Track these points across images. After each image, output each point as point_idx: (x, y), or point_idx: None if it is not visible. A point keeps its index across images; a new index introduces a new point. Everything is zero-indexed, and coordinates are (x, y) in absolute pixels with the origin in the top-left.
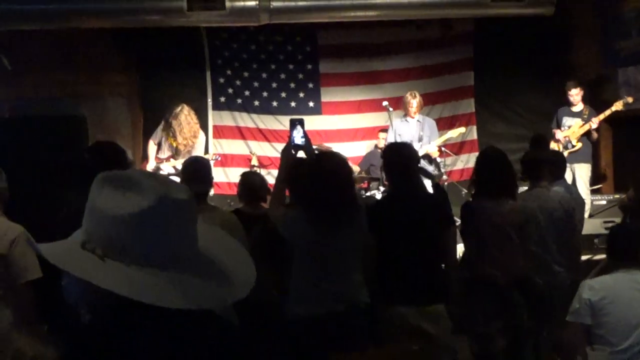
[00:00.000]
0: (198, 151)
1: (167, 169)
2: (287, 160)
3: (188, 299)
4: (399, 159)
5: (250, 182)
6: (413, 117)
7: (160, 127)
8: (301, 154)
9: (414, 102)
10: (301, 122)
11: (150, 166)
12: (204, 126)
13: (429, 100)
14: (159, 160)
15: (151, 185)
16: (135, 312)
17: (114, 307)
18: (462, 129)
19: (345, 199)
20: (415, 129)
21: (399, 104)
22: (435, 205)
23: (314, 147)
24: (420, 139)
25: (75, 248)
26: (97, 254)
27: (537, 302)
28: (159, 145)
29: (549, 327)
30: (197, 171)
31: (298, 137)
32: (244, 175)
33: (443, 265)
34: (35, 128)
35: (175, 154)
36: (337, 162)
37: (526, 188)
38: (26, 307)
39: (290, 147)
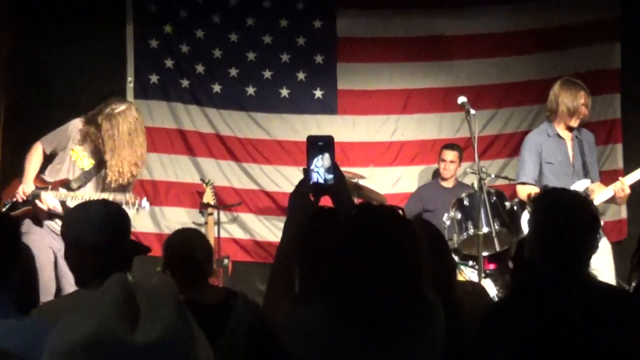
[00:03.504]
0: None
1: (50, 200)
2: (301, 214)
3: None
4: (565, 219)
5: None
6: (573, 129)
7: (69, 129)
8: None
9: (585, 96)
10: (327, 143)
11: (25, 188)
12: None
13: (538, 92)
14: (42, 184)
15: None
16: None
17: None
18: None
19: (409, 288)
20: (572, 149)
21: (482, 98)
22: (625, 308)
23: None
24: (585, 170)
25: None
26: None
27: None
28: (49, 159)
29: None
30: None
31: (322, 171)
32: (172, 235)
33: None
34: None
35: (101, 185)
36: (395, 222)
37: None
38: None
39: (307, 187)
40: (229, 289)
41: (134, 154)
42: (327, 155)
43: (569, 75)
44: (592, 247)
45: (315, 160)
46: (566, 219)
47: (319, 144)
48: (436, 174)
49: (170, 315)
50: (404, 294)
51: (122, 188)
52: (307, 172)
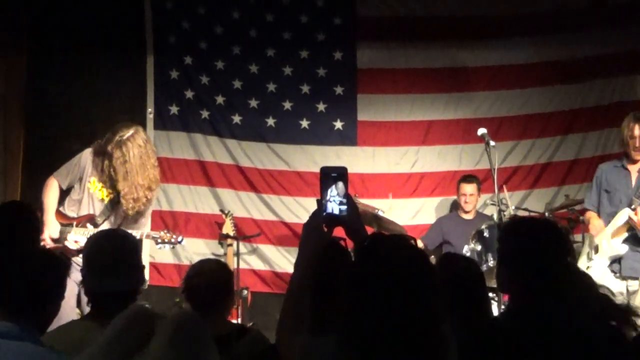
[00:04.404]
0: (148, 214)
1: (79, 239)
2: (314, 245)
3: None
4: (530, 246)
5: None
6: (637, 161)
7: (82, 161)
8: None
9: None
10: (341, 174)
11: (51, 232)
12: None
13: (559, 124)
14: (66, 220)
15: None
16: None
17: None
18: None
19: (423, 323)
20: (635, 181)
21: (503, 129)
22: (615, 336)
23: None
24: None
25: None
26: None
27: None
28: (66, 193)
29: None
30: None
31: (335, 203)
32: (194, 266)
33: None
34: None
35: (118, 216)
36: (410, 255)
37: None
38: None
39: (319, 219)
40: (239, 325)
41: (146, 178)
42: (341, 186)
43: (588, 108)
44: (563, 275)
45: (329, 191)
46: (532, 246)
47: (333, 175)
48: (455, 206)
49: (154, 351)
50: (417, 326)
51: (138, 215)
52: (320, 203)
